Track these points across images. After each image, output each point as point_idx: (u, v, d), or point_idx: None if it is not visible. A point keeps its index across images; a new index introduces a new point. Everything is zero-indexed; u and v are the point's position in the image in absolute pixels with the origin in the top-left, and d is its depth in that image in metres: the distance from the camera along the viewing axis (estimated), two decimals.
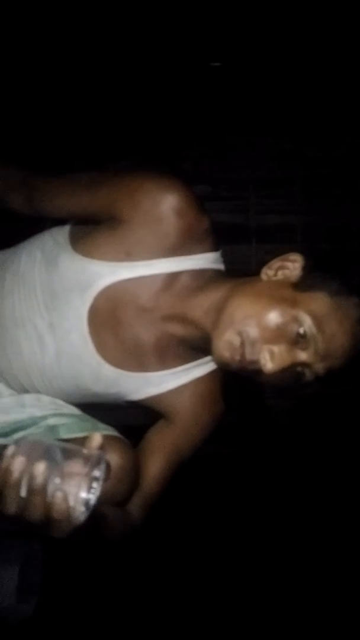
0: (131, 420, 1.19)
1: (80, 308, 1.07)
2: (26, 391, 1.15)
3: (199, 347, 1.06)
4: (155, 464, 1.11)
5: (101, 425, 1.10)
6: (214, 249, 1.09)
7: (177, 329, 1.07)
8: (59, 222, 1.13)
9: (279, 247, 1.09)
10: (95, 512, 0.92)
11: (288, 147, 1.79)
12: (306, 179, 1.79)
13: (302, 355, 0.96)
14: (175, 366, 1.10)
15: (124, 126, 1.70)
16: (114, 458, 1.00)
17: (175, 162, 1.66)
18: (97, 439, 0.79)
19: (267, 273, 1.01)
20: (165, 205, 1.02)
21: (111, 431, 1.09)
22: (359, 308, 0.96)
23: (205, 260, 1.08)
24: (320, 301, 0.95)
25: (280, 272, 1.00)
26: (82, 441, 1.01)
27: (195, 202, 1.04)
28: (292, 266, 1.00)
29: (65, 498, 0.75)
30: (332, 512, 1.82)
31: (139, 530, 1.08)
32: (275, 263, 1.01)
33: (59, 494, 0.75)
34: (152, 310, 1.07)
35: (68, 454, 0.78)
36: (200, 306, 1.04)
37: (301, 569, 1.76)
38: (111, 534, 1.00)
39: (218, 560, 1.76)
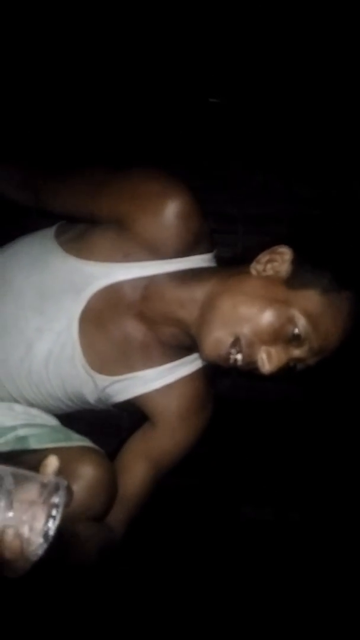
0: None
1: (73, 309, 1.05)
2: (14, 400, 1.11)
3: (184, 345, 1.07)
4: (139, 470, 1.08)
5: (75, 436, 1.08)
6: (210, 249, 1.10)
7: (164, 328, 1.06)
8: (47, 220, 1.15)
9: None
10: (66, 532, 0.85)
11: (278, 185, 1.80)
12: (295, 218, 1.80)
13: (297, 352, 0.97)
14: (160, 364, 1.08)
15: (114, 155, 1.69)
16: (89, 470, 0.99)
17: None
18: (53, 463, 0.71)
19: (256, 268, 1.00)
20: (171, 210, 1.01)
21: (86, 442, 1.07)
22: (350, 301, 0.97)
23: (200, 261, 1.08)
24: (313, 300, 0.96)
25: (269, 266, 0.99)
26: (53, 452, 0.98)
27: (198, 206, 1.05)
28: (280, 259, 0.99)
29: (18, 534, 0.63)
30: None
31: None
32: (264, 257, 1.00)
33: (9, 531, 0.63)
34: (140, 309, 1.06)
35: (20, 480, 0.67)
36: (183, 303, 1.03)
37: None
38: (87, 551, 0.95)
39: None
